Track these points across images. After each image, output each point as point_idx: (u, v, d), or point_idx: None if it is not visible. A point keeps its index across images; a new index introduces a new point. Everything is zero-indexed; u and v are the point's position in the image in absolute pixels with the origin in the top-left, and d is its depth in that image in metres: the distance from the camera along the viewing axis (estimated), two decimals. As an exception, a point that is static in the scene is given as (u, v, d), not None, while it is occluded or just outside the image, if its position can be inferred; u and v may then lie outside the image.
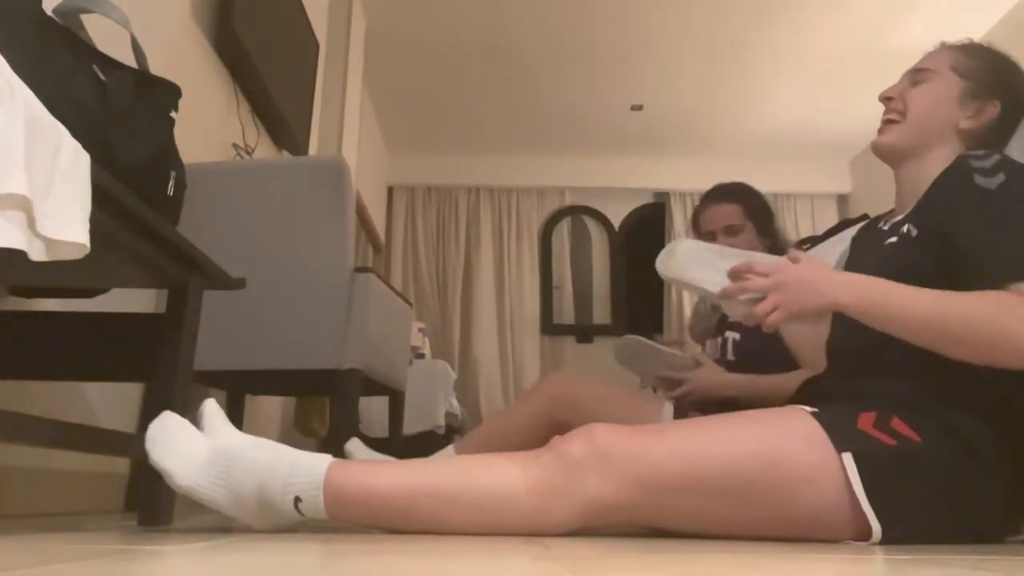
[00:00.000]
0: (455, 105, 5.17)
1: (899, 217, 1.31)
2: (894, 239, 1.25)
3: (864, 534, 1.01)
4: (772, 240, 1.99)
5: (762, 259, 1.24)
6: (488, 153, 5.83)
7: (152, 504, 1.28)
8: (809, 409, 1.07)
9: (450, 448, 1.89)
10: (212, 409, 1.07)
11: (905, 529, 1.01)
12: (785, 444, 1.03)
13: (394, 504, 1.01)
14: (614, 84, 4.92)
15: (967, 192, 1.13)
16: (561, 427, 1.64)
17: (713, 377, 1.83)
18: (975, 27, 4.27)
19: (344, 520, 1.03)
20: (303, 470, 1.00)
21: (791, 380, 1.70)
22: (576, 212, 5.98)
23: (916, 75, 1.33)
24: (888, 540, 1.00)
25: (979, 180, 1.12)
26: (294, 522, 1.03)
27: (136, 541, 0.93)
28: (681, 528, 1.07)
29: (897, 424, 1.04)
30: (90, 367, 1.47)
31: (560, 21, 4.27)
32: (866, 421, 1.05)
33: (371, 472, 1.03)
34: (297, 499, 0.99)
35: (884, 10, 4.12)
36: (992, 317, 1.02)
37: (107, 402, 1.89)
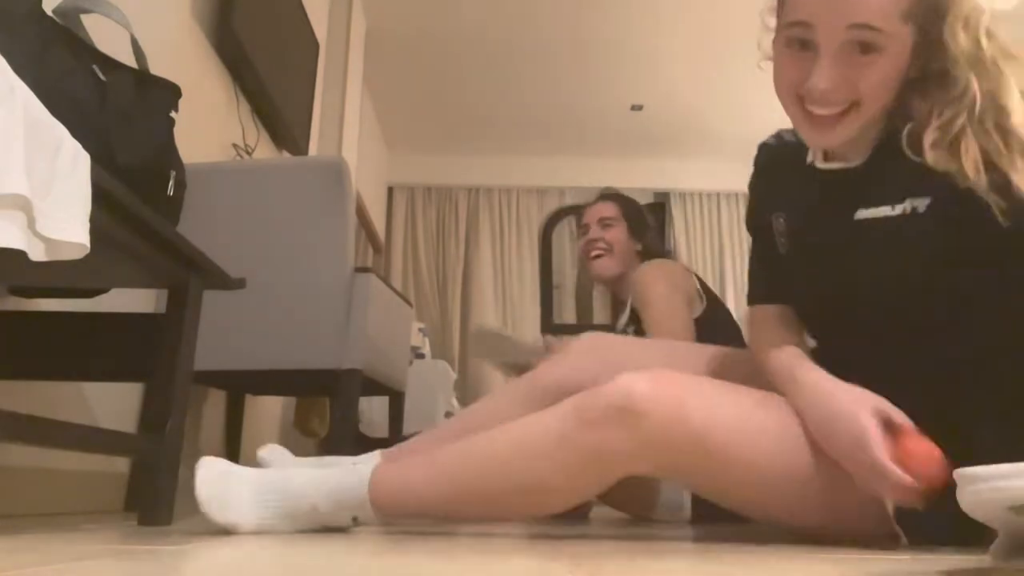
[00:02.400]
0: (455, 105, 5.17)
1: (847, 164, 1.08)
2: (885, 213, 1.01)
3: (887, 526, 0.99)
4: (643, 243, 2.16)
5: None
6: (488, 153, 5.83)
7: (152, 504, 1.27)
8: None
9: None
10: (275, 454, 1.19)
11: (927, 535, 0.98)
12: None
13: (440, 511, 1.07)
14: (614, 84, 4.91)
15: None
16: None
17: None
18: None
19: (405, 521, 1.14)
20: (349, 492, 1.05)
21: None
22: (576, 212, 5.97)
23: (860, 37, 0.96)
24: (909, 531, 0.98)
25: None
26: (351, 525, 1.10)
27: (136, 541, 0.93)
28: (706, 495, 1.08)
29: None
30: (90, 367, 1.47)
31: (560, 21, 4.27)
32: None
33: (406, 478, 1.07)
34: (355, 519, 1.06)
35: (884, 10, 4.12)
36: None
37: (107, 402, 1.89)
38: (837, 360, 1.05)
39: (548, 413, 1.01)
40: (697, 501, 1.76)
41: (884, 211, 1.00)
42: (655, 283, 1.93)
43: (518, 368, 1.91)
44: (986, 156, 0.92)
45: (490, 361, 1.99)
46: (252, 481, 1.06)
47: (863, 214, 1.02)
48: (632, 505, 1.80)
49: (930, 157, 0.94)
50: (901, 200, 0.99)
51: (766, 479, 0.99)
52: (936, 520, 0.98)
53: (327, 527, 1.08)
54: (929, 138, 0.95)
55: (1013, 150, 0.92)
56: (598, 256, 2.16)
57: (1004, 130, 0.93)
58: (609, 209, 2.18)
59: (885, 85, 1.00)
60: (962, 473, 0.65)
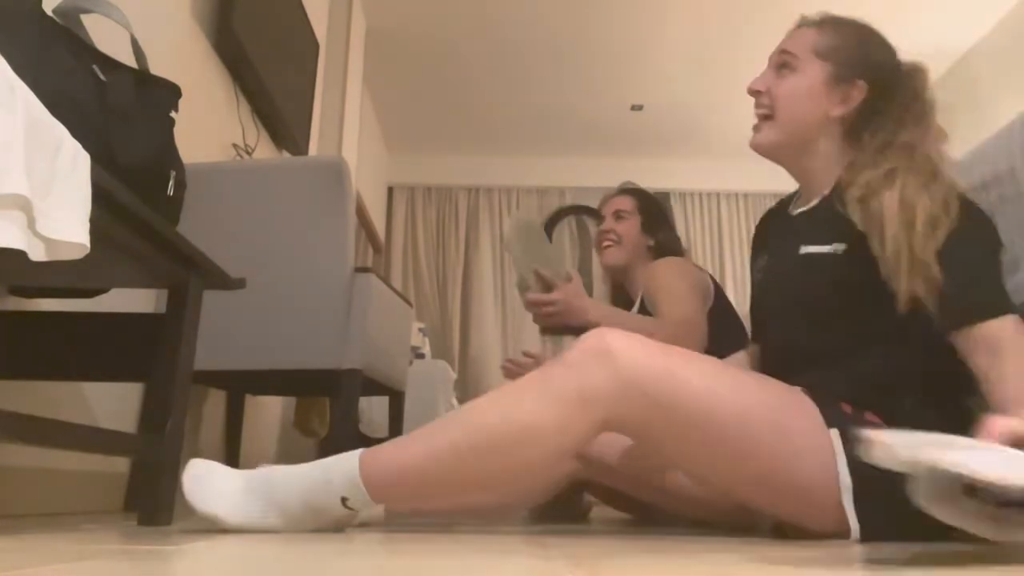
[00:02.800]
0: (455, 105, 5.17)
1: (804, 208, 1.31)
2: (817, 251, 1.21)
3: (842, 527, 1.02)
4: (655, 239, 2.18)
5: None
6: (488, 153, 5.83)
7: (152, 504, 1.27)
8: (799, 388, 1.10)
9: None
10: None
11: (878, 509, 1.02)
12: (795, 415, 1.05)
13: (428, 473, 1.02)
14: (614, 84, 4.92)
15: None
16: None
17: (582, 297, 1.80)
18: (975, 26, 4.28)
19: (396, 508, 1.05)
20: (339, 471, 1.02)
21: (658, 326, 1.79)
22: (576, 212, 5.98)
23: (781, 59, 1.30)
24: (867, 532, 1.01)
25: None
26: (350, 519, 1.05)
27: (136, 541, 0.93)
28: (672, 459, 1.10)
29: (870, 416, 1.07)
30: (90, 367, 1.47)
31: (560, 21, 4.27)
32: (846, 407, 1.08)
33: (399, 448, 1.05)
34: (344, 499, 1.01)
35: (884, 10, 4.12)
36: None
37: (107, 402, 1.89)
38: (784, 360, 1.24)
39: (530, 375, 1.07)
40: None
41: (818, 248, 1.21)
42: (668, 274, 1.97)
43: (538, 280, 1.81)
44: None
45: (514, 253, 1.88)
46: (239, 476, 1.05)
47: (805, 249, 1.23)
48: (634, 509, 1.81)
49: (850, 211, 1.15)
50: (830, 243, 1.20)
51: (726, 438, 1.03)
52: (895, 511, 1.00)
53: (318, 522, 1.03)
54: (849, 195, 1.16)
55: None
56: (607, 246, 2.21)
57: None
58: (625, 203, 2.23)
59: (791, 99, 1.27)
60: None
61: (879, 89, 1.24)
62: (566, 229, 5.92)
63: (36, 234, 0.80)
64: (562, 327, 1.81)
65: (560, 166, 5.87)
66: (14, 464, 1.56)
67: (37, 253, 0.81)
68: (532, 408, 1.01)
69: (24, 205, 0.77)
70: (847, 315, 1.18)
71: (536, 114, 5.27)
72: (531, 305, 1.81)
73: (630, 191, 2.31)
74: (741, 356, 1.48)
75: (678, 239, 2.24)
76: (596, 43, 4.48)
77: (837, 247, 1.19)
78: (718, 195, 5.89)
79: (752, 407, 1.04)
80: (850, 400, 1.09)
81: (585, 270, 5.93)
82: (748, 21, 4.23)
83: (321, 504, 1.02)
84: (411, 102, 5.13)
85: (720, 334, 1.87)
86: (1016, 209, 1.28)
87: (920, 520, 1.02)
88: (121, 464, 1.96)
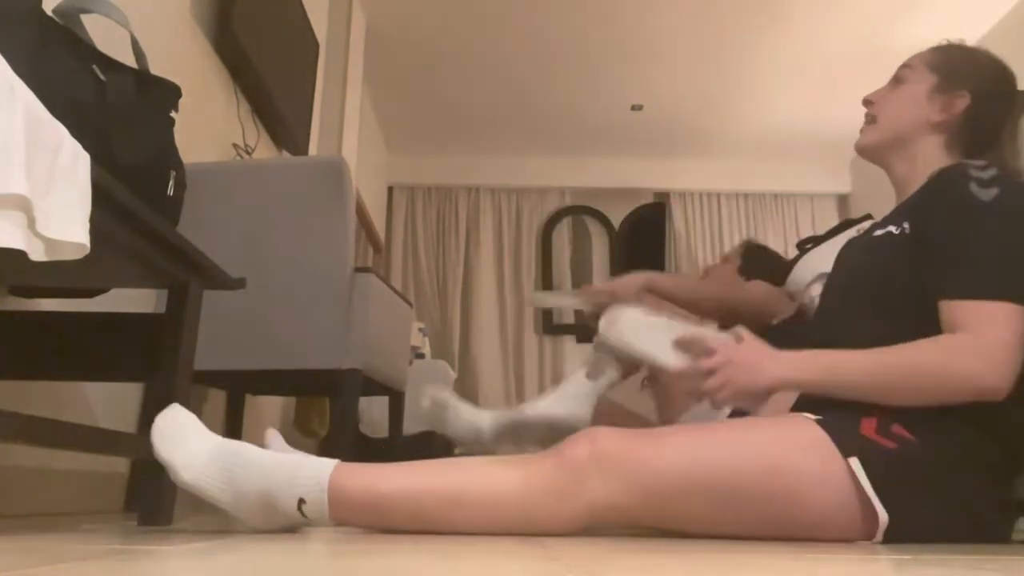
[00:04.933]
0: (455, 105, 5.17)
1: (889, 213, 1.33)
2: (882, 232, 1.25)
3: (871, 531, 1.02)
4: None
5: (707, 335, 1.25)
6: (488, 153, 5.83)
7: (152, 504, 1.28)
8: (813, 416, 1.08)
9: None
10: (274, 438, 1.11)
11: (909, 525, 1.02)
12: (789, 452, 1.03)
13: (399, 506, 1.01)
14: (614, 84, 4.92)
15: (962, 200, 1.13)
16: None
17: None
18: (976, 26, 4.28)
19: (347, 523, 1.03)
20: (308, 471, 0.99)
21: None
22: (576, 212, 5.98)
23: (898, 73, 1.37)
24: (894, 534, 1.01)
25: (974, 188, 1.12)
26: (295, 524, 1.03)
27: (136, 541, 0.93)
28: (685, 530, 1.07)
29: (897, 429, 1.06)
30: (90, 367, 1.47)
31: (560, 21, 4.27)
32: (868, 427, 1.06)
33: (376, 474, 1.03)
34: (301, 501, 0.98)
35: (885, 9, 4.12)
36: (932, 361, 1.06)
37: (107, 402, 1.89)
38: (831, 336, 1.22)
39: (530, 457, 1.06)
40: None
41: (887, 229, 1.24)
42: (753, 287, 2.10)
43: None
44: None
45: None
46: (211, 440, 1.02)
47: (876, 232, 1.27)
48: None
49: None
50: (899, 224, 1.22)
51: (722, 503, 1.02)
52: (915, 512, 1.02)
53: (267, 518, 1.00)
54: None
55: None
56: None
57: None
58: (733, 250, 2.46)
59: (894, 104, 1.34)
60: None
61: (983, 104, 1.29)
62: (566, 229, 5.93)
63: (36, 234, 0.80)
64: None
65: (560, 166, 5.87)
66: (14, 464, 1.56)
67: (37, 253, 0.81)
68: (522, 485, 1.01)
69: (24, 205, 0.77)
70: (888, 302, 1.18)
71: (536, 114, 5.27)
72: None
73: (744, 242, 2.54)
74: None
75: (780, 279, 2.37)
76: (596, 43, 4.48)
77: (905, 226, 1.20)
78: (718, 195, 5.89)
79: (744, 467, 1.02)
80: (877, 408, 1.07)
81: (584, 271, 5.93)
82: (748, 21, 4.24)
83: (277, 500, 0.99)
84: (411, 102, 5.13)
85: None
86: None
87: (947, 532, 1.04)
88: (121, 464, 1.96)
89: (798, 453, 1.03)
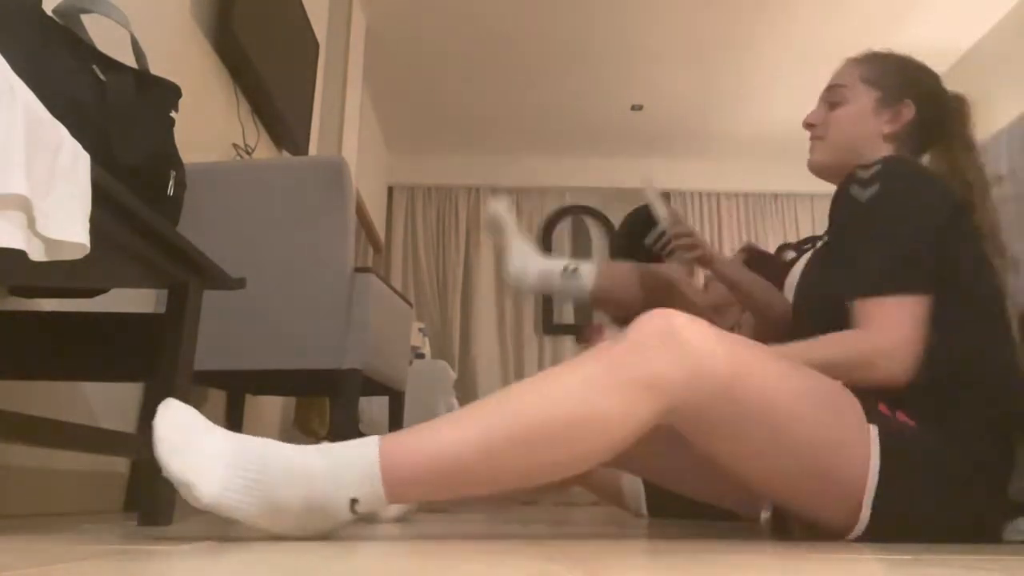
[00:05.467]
0: (455, 105, 5.17)
1: None
2: (820, 244, 1.33)
3: (858, 504, 1.02)
4: None
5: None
6: (488, 153, 5.83)
7: (152, 504, 1.28)
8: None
9: None
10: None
11: (895, 509, 1.02)
12: (843, 408, 1.04)
13: (463, 468, 0.90)
14: (614, 84, 4.92)
15: (843, 203, 1.19)
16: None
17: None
18: (976, 26, 4.28)
19: (408, 501, 0.92)
20: (353, 467, 0.88)
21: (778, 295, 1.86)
22: (576, 212, 5.98)
23: (831, 95, 1.38)
24: (877, 516, 1.02)
25: (854, 191, 1.17)
26: (339, 525, 0.91)
27: (136, 541, 0.93)
28: (715, 455, 1.04)
29: (901, 415, 1.07)
30: (90, 367, 1.47)
31: (560, 21, 4.27)
32: (883, 407, 1.08)
33: (425, 438, 0.91)
34: (354, 501, 0.87)
35: (884, 9, 4.12)
36: (834, 356, 1.10)
37: (107, 402, 1.89)
38: None
39: (587, 352, 0.97)
40: (650, 493, 2.04)
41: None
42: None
43: (680, 233, 1.84)
44: None
45: (655, 204, 1.97)
46: (227, 442, 0.88)
47: (820, 242, 1.33)
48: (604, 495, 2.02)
49: None
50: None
51: (779, 431, 0.99)
52: (907, 514, 1.02)
53: (313, 528, 0.89)
54: None
55: None
56: (705, 286, 2.43)
57: None
58: (736, 257, 2.46)
59: (842, 122, 1.35)
60: None
61: (926, 109, 1.32)
62: (566, 229, 5.93)
63: (36, 234, 0.80)
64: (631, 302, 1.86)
65: (560, 166, 5.87)
66: (14, 464, 1.56)
67: (37, 253, 0.81)
68: (593, 395, 0.92)
69: (24, 205, 0.77)
70: (828, 313, 1.20)
71: (536, 114, 5.27)
72: (678, 239, 1.79)
73: (744, 247, 2.56)
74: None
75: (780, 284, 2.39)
76: (596, 43, 4.48)
77: (826, 238, 1.28)
78: (718, 195, 5.89)
79: (807, 402, 1.02)
80: (883, 398, 1.09)
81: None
82: (748, 21, 4.24)
83: (325, 506, 0.87)
84: (411, 102, 5.13)
85: None
86: (1016, 209, 1.28)
87: (929, 525, 1.04)
88: (121, 464, 1.96)
89: (846, 411, 1.04)
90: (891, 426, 1.05)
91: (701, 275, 2.48)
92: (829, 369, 1.07)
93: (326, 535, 0.92)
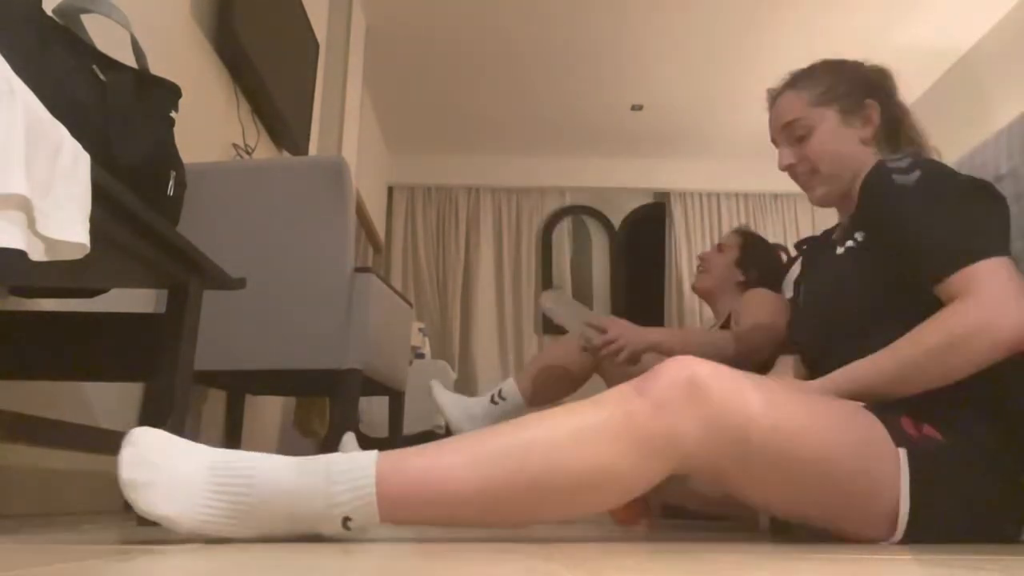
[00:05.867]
0: (455, 105, 5.17)
1: (843, 224, 1.37)
2: (845, 247, 1.29)
3: (892, 526, 1.01)
4: (747, 275, 2.35)
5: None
6: (488, 153, 5.83)
7: (152, 504, 1.27)
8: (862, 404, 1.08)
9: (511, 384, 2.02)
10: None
11: (930, 524, 1.01)
12: (871, 441, 1.01)
13: (470, 500, 0.87)
14: (614, 84, 4.92)
15: (891, 193, 1.18)
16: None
17: (636, 328, 1.90)
18: (975, 26, 4.27)
19: (401, 524, 0.89)
20: (345, 484, 0.84)
21: (725, 338, 1.91)
22: (576, 212, 5.98)
23: (791, 131, 1.36)
24: (912, 533, 1.01)
25: (898, 179, 1.17)
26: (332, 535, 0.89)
27: (136, 541, 0.93)
28: (742, 494, 1.02)
29: (928, 429, 1.06)
30: (90, 367, 1.47)
31: (560, 21, 4.27)
32: (907, 424, 1.06)
33: (431, 464, 0.87)
34: (346, 519, 0.84)
35: (885, 9, 4.12)
36: (941, 332, 1.05)
37: (107, 402, 1.89)
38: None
39: (604, 398, 0.93)
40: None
41: (850, 243, 1.28)
42: (760, 306, 2.06)
43: (591, 328, 1.94)
44: None
45: (558, 317, 2.05)
46: (203, 458, 0.83)
47: (839, 250, 1.30)
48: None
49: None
50: (854, 234, 1.27)
51: (806, 475, 0.97)
52: (938, 516, 1.01)
53: (298, 532, 0.86)
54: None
55: None
56: (699, 270, 2.46)
57: None
58: (729, 238, 2.46)
59: (824, 148, 1.33)
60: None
61: (884, 98, 1.34)
62: (566, 229, 5.93)
63: (36, 234, 0.80)
64: (619, 352, 1.90)
65: (560, 166, 5.87)
66: (14, 464, 1.56)
67: (37, 253, 0.81)
68: (607, 452, 0.88)
69: (24, 205, 0.77)
70: (889, 316, 1.17)
71: (536, 114, 5.27)
72: (602, 349, 1.90)
73: (739, 231, 2.52)
74: (789, 360, 1.47)
75: (778, 280, 2.35)
76: (596, 43, 4.48)
77: (857, 236, 1.25)
78: (718, 195, 5.89)
79: (838, 439, 0.99)
80: (908, 411, 1.07)
81: (583, 271, 5.93)
82: (748, 21, 4.23)
83: (310, 519, 0.84)
84: (411, 102, 5.13)
85: None
86: (1016, 209, 1.28)
87: (960, 535, 1.04)
88: (121, 464, 1.95)
89: (874, 442, 1.01)
90: (918, 445, 1.03)
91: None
92: (947, 353, 1.04)
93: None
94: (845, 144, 1.33)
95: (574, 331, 1.98)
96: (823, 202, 1.38)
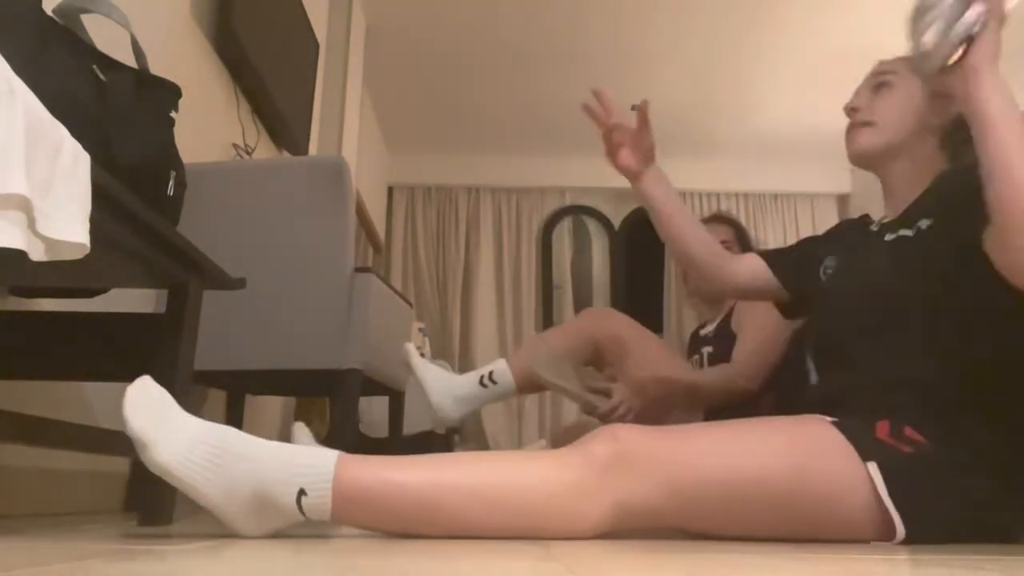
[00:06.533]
0: (455, 105, 5.17)
1: (893, 217, 1.33)
2: (902, 234, 1.26)
3: (888, 535, 1.02)
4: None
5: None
6: (488, 153, 5.83)
7: (152, 504, 1.28)
8: (829, 419, 1.08)
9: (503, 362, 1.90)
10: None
11: (925, 530, 1.02)
12: (814, 456, 1.03)
13: (416, 500, 0.93)
14: (614, 84, 4.90)
15: (957, 179, 1.20)
16: (600, 352, 1.97)
17: (638, 384, 1.83)
18: (975, 27, 4.27)
19: (350, 523, 0.94)
20: (308, 459, 0.91)
21: (730, 378, 1.88)
22: (576, 212, 5.98)
23: (877, 78, 1.38)
24: (911, 539, 1.01)
25: (965, 174, 1.16)
26: (287, 524, 0.93)
27: (136, 541, 0.93)
28: (706, 531, 1.06)
29: (909, 432, 1.06)
30: (90, 367, 1.47)
31: (560, 21, 4.27)
32: (883, 430, 1.06)
33: (388, 465, 0.95)
34: (301, 492, 0.88)
35: (884, 9, 4.12)
36: None
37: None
38: (839, 363, 1.24)
39: (564, 458, 1.00)
40: None
41: (904, 232, 1.26)
42: (761, 314, 1.99)
43: (598, 393, 1.86)
44: None
45: (569, 392, 1.91)
46: (195, 420, 0.92)
47: (889, 236, 1.28)
48: None
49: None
50: (913, 224, 1.25)
51: (751, 507, 1.01)
52: (932, 516, 1.01)
53: (260, 523, 0.91)
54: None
55: None
56: None
57: None
58: (725, 233, 2.35)
59: (893, 109, 1.33)
60: None
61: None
62: (566, 229, 5.93)
63: (36, 234, 0.80)
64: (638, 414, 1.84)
65: (560, 166, 5.87)
66: (14, 464, 1.56)
67: (37, 253, 0.81)
68: (559, 514, 0.97)
69: (24, 205, 0.77)
70: (910, 307, 1.18)
71: (536, 114, 5.27)
72: (609, 416, 1.81)
73: (729, 221, 2.42)
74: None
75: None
76: (596, 43, 4.48)
77: (922, 223, 1.23)
78: (718, 195, 5.89)
79: (770, 464, 1.01)
80: (888, 411, 1.08)
81: (584, 270, 5.93)
82: (748, 22, 4.23)
83: (272, 492, 0.89)
84: (411, 102, 5.13)
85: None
86: None
87: (963, 530, 1.04)
88: (121, 464, 1.96)
89: (822, 459, 1.03)
90: (892, 453, 1.03)
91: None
92: None
93: (275, 534, 0.95)
94: (913, 115, 1.32)
95: (576, 399, 1.88)
96: (859, 156, 1.37)
